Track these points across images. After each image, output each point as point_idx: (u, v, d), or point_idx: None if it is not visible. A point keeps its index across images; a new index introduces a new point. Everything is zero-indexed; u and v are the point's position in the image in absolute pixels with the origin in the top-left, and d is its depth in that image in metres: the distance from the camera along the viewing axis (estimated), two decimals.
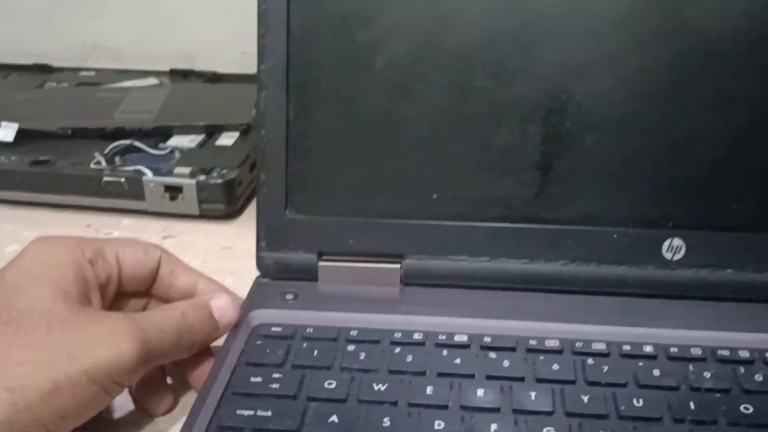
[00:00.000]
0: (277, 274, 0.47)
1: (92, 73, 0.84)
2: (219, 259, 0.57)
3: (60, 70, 0.86)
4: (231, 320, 0.42)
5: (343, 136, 0.46)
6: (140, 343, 0.36)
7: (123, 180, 0.60)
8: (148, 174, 0.60)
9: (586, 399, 0.37)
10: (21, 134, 0.66)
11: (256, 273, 0.48)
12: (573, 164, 0.45)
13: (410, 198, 0.46)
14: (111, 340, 0.35)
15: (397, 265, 0.46)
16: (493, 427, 0.36)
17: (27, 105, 0.71)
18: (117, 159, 0.63)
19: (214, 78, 0.81)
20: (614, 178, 0.45)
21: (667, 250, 0.45)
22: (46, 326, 0.35)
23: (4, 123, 0.65)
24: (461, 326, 0.42)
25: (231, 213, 0.62)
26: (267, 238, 0.47)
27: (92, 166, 0.62)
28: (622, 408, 0.37)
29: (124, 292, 0.43)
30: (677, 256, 0.45)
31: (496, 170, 0.45)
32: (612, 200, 0.45)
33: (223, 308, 0.42)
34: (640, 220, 0.45)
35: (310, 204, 0.47)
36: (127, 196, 0.61)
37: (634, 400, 0.37)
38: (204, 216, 0.61)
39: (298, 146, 0.46)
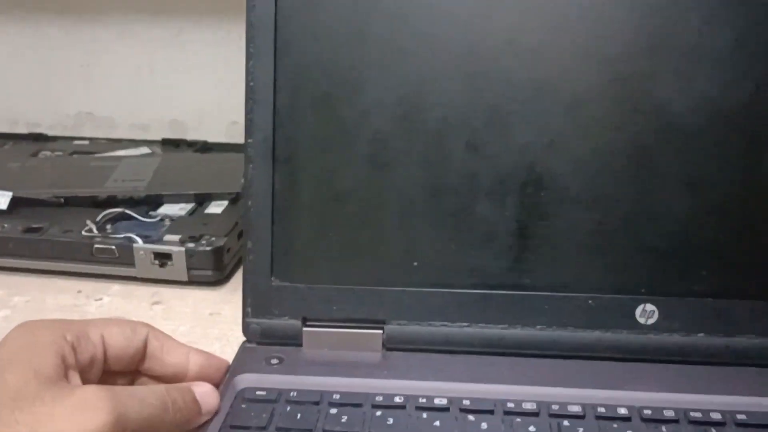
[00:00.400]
0: (263, 339, 0.49)
1: (86, 142, 0.86)
2: (207, 324, 0.58)
3: (54, 138, 0.88)
4: (213, 407, 0.42)
5: (326, 207, 0.48)
6: (115, 414, 0.35)
7: (114, 247, 0.62)
8: (139, 242, 0.62)
9: None
10: (15, 202, 0.67)
11: (242, 338, 0.50)
12: (548, 233, 0.47)
13: (391, 266, 0.48)
14: (82, 411, 0.35)
15: (379, 331, 0.48)
16: None
17: (21, 173, 0.73)
18: (108, 227, 0.65)
19: (205, 147, 0.83)
20: (588, 246, 0.47)
21: (640, 316, 0.46)
22: (11, 406, 0.35)
23: None
24: (441, 390, 0.44)
25: (219, 279, 0.63)
26: (253, 304, 0.49)
27: (84, 233, 0.64)
28: None
29: (112, 371, 0.43)
30: (650, 321, 0.46)
31: (474, 239, 0.47)
32: (587, 268, 0.47)
33: (206, 393, 0.42)
34: (614, 287, 0.47)
35: (295, 271, 0.48)
36: (117, 263, 0.62)
37: None
38: (193, 282, 0.63)
39: (284, 216, 0.48)
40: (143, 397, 0.38)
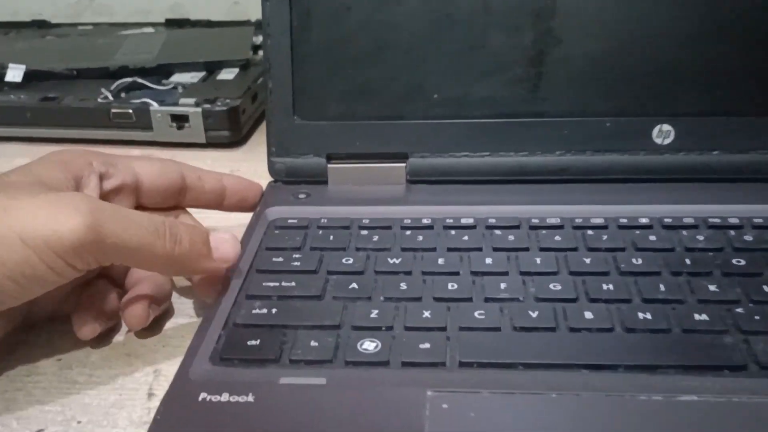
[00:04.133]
0: (288, 177, 0.50)
1: (89, 27, 0.86)
2: None
3: (57, 25, 0.87)
4: (229, 255, 0.39)
5: (345, 42, 0.48)
6: (91, 219, 0.33)
7: (131, 111, 0.62)
8: (155, 105, 0.63)
9: (588, 261, 0.40)
10: (28, 76, 0.68)
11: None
12: (563, 59, 0.47)
13: (412, 99, 0.48)
14: (56, 209, 0.33)
15: (403, 164, 0.49)
16: (503, 285, 0.38)
17: (32, 51, 0.73)
18: (123, 95, 0.65)
19: (209, 24, 0.83)
20: (604, 69, 0.47)
21: (657, 136, 0.47)
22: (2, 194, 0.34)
23: (12, 65, 0.67)
24: (466, 212, 0.45)
25: (236, 141, 0.64)
26: (277, 144, 0.49)
27: (100, 100, 0.64)
28: (622, 266, 0.39)
29: (148, 207, 0.44)
30: (667, 141, 0.47)
31: (492, 69, 0.48)
32: (603, 91, 0.47)
33: (222, 239, 0.39)
34: (630, 109, 0.47)
35: (316, 109, 0.49)
36: (134, 127, 0.63)
37: (633, 260, 0.40)
38: (210, 144, 0.64)
39: (303, 53, 0.48)
40: (132, 216, 0.36)
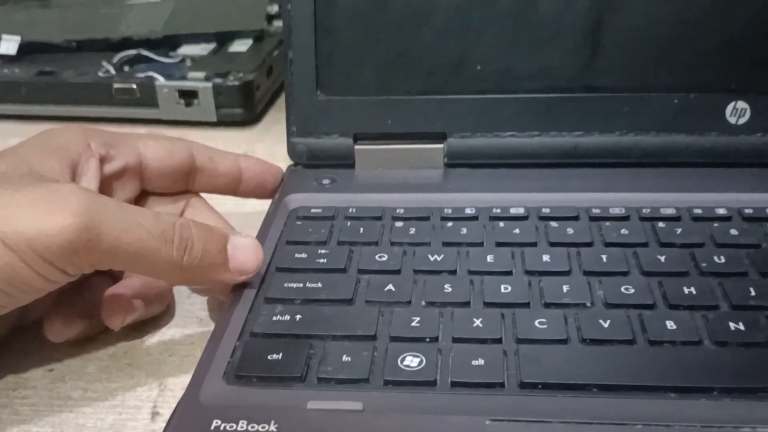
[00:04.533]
0: (311, 161, 0.44)
1: None
2: None
3: None
4: (249, 266, 0.33)
5: (376, 7, 0.42)
6: (85, 219, 0.29)
7: (134, 86, 0.57)
8: (161, 79, 0.57)
9: (662, 259, 0.34)
10: (24, 48, 0.62)
11: None
12: (627, 25, 0.41)
13: (452, 71, 0.43)
14: (47, 205, 0.29)
15: (440, 145, 0.43)
16: (565, 287, 0.33)
17: (28, 21, 0.67)
18: (126, 68, 0.60)
19: None
20: (672, 39, 0.41)
21: (731, 115, 0.42)
22: None
23: (5, 36, 0.61)
24: (515, 200, 0.39)
25: (250, 119, 0.58)
26: (298, 122, 0.44)
27: (101, 74, 0.58)
28: (703, 265, 0.34)
29: (154, 192, 0.39)
30: (742, 120, 0.42)
31: (543, 36, 0.42)
32: (670, 64, 0.41)
33: (243, 246, 0.33)
34: (702, 84, 0.42)
35: (343, 83, 0.43)
36: (139, 104, 0.57)
37: (715, 257, 0.34)
38: (221, 123, 0.58)
39: (328, 19, 0.43)
40: (135, 216, 0.31)
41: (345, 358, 0.29)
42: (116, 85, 0.57)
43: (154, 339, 0.36)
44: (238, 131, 0.58)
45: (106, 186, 0.36)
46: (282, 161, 0.45)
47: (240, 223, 0.40)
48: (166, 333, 0.37)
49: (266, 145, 0.56)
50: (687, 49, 0.41)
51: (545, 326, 0.30)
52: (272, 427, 0.26)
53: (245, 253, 0.33)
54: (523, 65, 0.42)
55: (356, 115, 0.43)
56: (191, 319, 0.38)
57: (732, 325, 0.30)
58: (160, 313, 0.38)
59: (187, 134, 0.57)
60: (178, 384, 0.33)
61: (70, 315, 0.34)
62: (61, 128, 0.36)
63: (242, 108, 0.57)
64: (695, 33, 0.41)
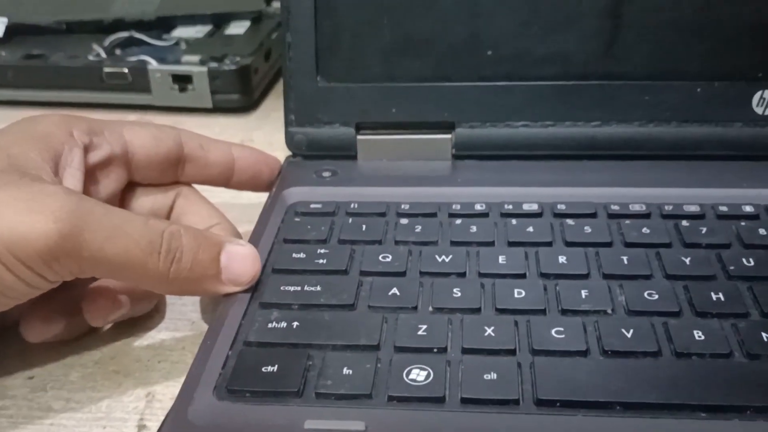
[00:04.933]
0: (310, 151, 0.41)
1: None
2: None
3: None
4: (244, 277, 0.31)
5: None
6: (68, 226, 0.27)
7: (126, 71, 0.54)
8: (154, 63, 0.54)
9: (687, 261, 0.32)
10: (11, 29, 0.60)
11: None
12: (649, 7, 0.38)
13: (460, 57, 0.40)
14: (27, 208, 0.27)
15: (448, 135, 0.41)
16: (584, 293, 0.30)
17: (17, 1, 0.65)
18: (118, 51, 0.57)
19: None
20: (696, 23, 0.38)
21: (758, 104, 0.39)
22: None
23: None
24: (528, 195, 0.37)
25: (247, 105, 0.56)
26: (296, 110, 0.41)
27: (91, 58, 0.56)
28: (731, 268, 0.31)
29: (142, 182, 0.37)
30: None
31: (558, 19, 0.39)
32: (694, 50, 0.39)
33: (239, 255, 0.31)
34: (727, 72, 0.39)
35: (344, 69, 0.41)
36: (131, 90, 0.55)
37: (743, 260, 0.32)
38: (218, 109, 0.56)
39: (329, 0, 0.40)
40: (122, 223, 0.29)
41: (346, 370, 0.27)
42: (107, 69, 0.54)
43: (143, 343, 0.34)
44: (235, 118, 0.56)
45: (90, 177, 0.34)
46: (281, 150, 0.42)
47: (236, 216, 0.38)
48: (156, 336, 0.34)
49: (264, 132, 0.53)
50: (712, 34, 0.39)
51: (563, 336, 0.28)
52: None
53: (241, 263, 0.31)
54: (536, 50, 0.39)
55: (358, 103, 0.41)
56: (183, 322, 0.35)
57: (764, 335, 0.28)
58: (149, 315, 0.35)
59: (182, 121, 0.55)
60: (168, 393, 0.31)
61: (49, 313, 0.32)
62: (42, 116, 0.34)
63: (239, 94, 0.54)
64: (721, 17, 0.38)
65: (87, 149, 0.34)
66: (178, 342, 0.34)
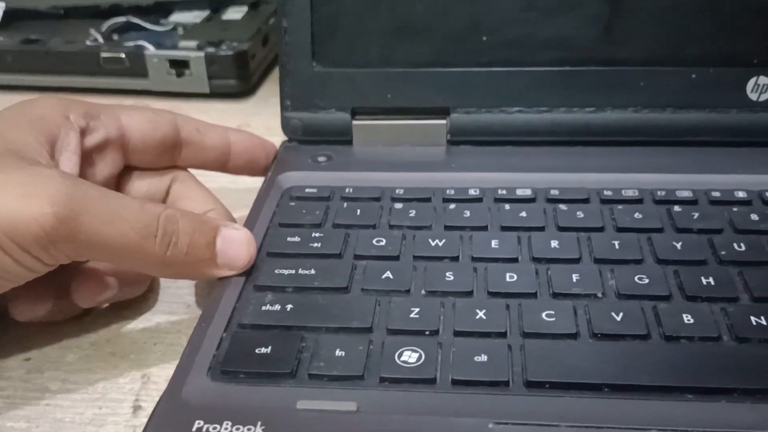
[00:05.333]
0: (306, 136, 0.42)
1: None
2: None
3: None
4: (239, 261, 0.31)
5: None
6: (63, 210, 0.27)
7: (123, 56, 0.54)
8: (151, 48, 0.54)
9: (678, 246, 0.32)
10: (9, 15, 0.60)
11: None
12: None
13: (456, 42, 0.40)
14: (22, 192, 0.27)
15: (443, 121, 0.41)
16: (575, 276, 0.31)
17: None
18: (115, 37, 0.57)
19: None
20: (692, 9, 0.39)
21: (752, 91, 0.39)
22: None
23: None
24: (522, 181, 0.37)
25: (245, 90, 0.56)
26: (292, 96, 0.41)
27: (88, 43, 0.56)
28: (722, 253, 0.31)
29: (138, 167, 0.37)
30: (764, 97, 0.39)
31: (555, 5, 0.39)
32: (689, 36, 0.39)
33: (235, 240, 0.31)
34: (722, 58, 0.39)
35: (340, 54, 0.41)
36: (128, 75, 0.55)
37: (734, 245, 0.32)
38: (215, 94, 0.56)
39: None
40: (118, 207, 0.29)
41: (339, 352, 0.27)
42: (104, 54, 0.54)
43: (138, 326, 0.34)
44: (233, 103, 0.56)
45: (86, 160, 0.34)
46: (279, 136, 0.42)
47: (232, 201, 0.38)
48: (152, 319, 0.35)
49: (262, 118, 0.54)
50: (708, 20, 0.39)
51: (553, 319, 0.28)
52: (258, 429, 0.25)
53: (236, 247, 0.31)
54: (532, 36, 0.39)
55: (354, 89, 0.41)
56: (178, 305, 0.36)
57: (753, 319, 0.28)
58: (145, 298, 0.36)
59: (179, 106, 0.55)
60: (163, 375, 0.31)
61: (37, 293, 0.32)
62: (38, 99, 0.34)
63: (236, 79, 0.54)
64: (717, 3, 0.38)
65: (83, 133, 0.34)
66: (173, 325, 0.34)
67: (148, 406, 0.30)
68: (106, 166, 0.35)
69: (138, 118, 0.36)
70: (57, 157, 0.32)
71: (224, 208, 0.37)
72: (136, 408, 0.30)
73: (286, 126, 0.42)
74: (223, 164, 0.39)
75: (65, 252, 0.28)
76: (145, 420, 0.26)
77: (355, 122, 0.41)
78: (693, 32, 0.39)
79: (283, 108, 0.42)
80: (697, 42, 0.39)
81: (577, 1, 0.39)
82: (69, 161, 0.32)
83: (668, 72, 0.39)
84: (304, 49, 0.41)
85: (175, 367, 0.28)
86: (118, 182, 0.37)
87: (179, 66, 0.54)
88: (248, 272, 0.32)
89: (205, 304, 0.33)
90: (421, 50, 0.40)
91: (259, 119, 0.53)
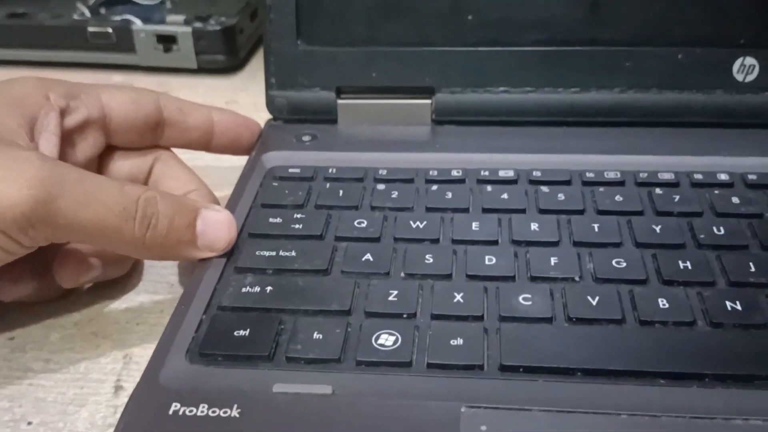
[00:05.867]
0: (291, 115, 0.42)
1: None
2: None
3: None
4: (220, 242, 0.31)
5: None
6: (42, 193, 0.27)
7: (110, 30, 0.54)
8: (138, 23, 0.54)
9: (658, 229, 0.32)
10: None
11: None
12: None
13: (441, 21, 0.40)
14: (0, 176, 0.27)
15: (428, 101, 0.41)
16: (553, 260, 0.31)
17: None
18: (103, 10, 0.57)
19: None
20: None
21: (738, 71, 0.39)
22: None
23: None
24: (505, 162, 0.37)
25: (233, 66, 0.56)
26: (277, 74, 0.41)
27: (75, 17, 0.56)
28: (701, 237, 0.32)
29: (120, 146, 0.37)
30: (749, 78, 0.39)
31: None
32: (675, 16, 0.39)
33: (215, 221, 0.31)
34: (708, 38, 0.39)
35: (325, 32, 0.41)
36: (116, 50, 0.55)
37: (714, 228, 0.32)
38: (203, 69, 0.55)
39: None
40: (96, 189, 0.29)
41: (316, 335, 0.28)
42: (91, 29, 0.54)
43: (121, 305, 0.35)
44: (221, 79, 0.56)
45: (67, 141, 0.34)
46: (265, 113, 0.43)
47: (216, 181, 0.38)
48: (134, 299, 0.35)
49: (249, 94, 0.53)
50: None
51: (530, 303, 0.29)
52: (234, 412, 0.25)
53: (216, 229, 0.31)
54: (517, 16, 0.39)
55: (339, 67, 0.41)
56: (161, 285, 0.36)
57: (729, 304, 0.28)
58: (128, 277, 0.36)
59: (167, 82, 0.55)
60: (144, 356, 0.32)
61: (19, 273, 0.32)
62: (17, 79, 0.34)
63: (224, 54, 0.54)
64: None
65: (63, 113, 0.34)
66: (156, 305, 0.35)
67: (129, 387, 0.30)
68: (87, 146, 0.35)
69: (120, 97, 0.36)
70: (36, 138, 0.32)
71: (207, 188, 0.37)
72: (118, 388, 0.30)
73: (270, 104, 0.42)
74: (207, 144, 0.39)
75: (44, 234, 0.28)
76: (125, 400, 0.26)
77: (339, 101, 0.41)
78: (679, 12, 0.39)
79: (268, 86, 0.41)
80: (683, 22, 0.39)
81: None
82: (49, 142, 0.32)
83: (654, 52, 0.39)
84: (289, 27, 0.40)
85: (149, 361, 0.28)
86: (100, 162, 0.37)
87: (167, 41, 0.54)
88: (229, 253, 0.32)
89: (186, 284, 0.33)
90: (407, 29, 0.40)
91: (246, 95, 0.53)
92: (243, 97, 0.53)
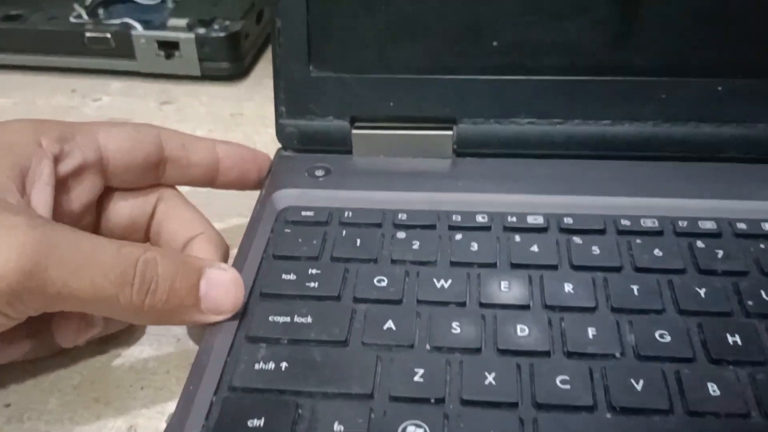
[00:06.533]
0: (302, 145, 0.39)
1: None
2: (227, 126, 0.49)
3: None
4: (226, 305, 0.29)
5: None
6: (28, 265, 0.25)
7: (109, 35, 0.51)
8: (138, 28, 0.51)
9: (702, 293, 0.30)
10: None
11: (271, 143, 0.40)
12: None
13: (464, 47, 0.37)
14: None
15: (449, 132, 0.38)
16: (591, 331, 0.28)
17: None
18: (101, 11, 0.54)
19: None
20: (717, 13, 0.35)
21: None
22: None
23: None
24: (533, 204, 0.35)
25: (237, 73, 0.53)
26: (288, 102, 0.38)
27: (72, 20, 0.52)
28: (749, 303, 0.29)
29: (120, 187, 0.35)
30: None
31: (569, 8, 0.36)
32: (714, 43, 0.36)
33: (220, 282, 0.29)
34: (751, 68, 0.36)
35: (339, 58, 0.38)
36: (115, 55, 0.52)
37: (762, 293, 0.30)
38: (206, 77, 0.52)
39: None
40: (90, 256, 0.26)
41: (337, 426, 0.25)
42: (88, 34, 0.51)
43: (124, 364, 0.33)
44: (225, 86, 0.53)
45: (62, 188, 0.32)
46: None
47: (224, 207, 0.38)
48: (138, 356, 0.33)
49: (256, 104, 0.51)
50: (734, 26, 0.35)
51: (568, 387, 0.26)
52: None
53: (222, 291, 0.29)
54: (545, 42, 0.36)
55: (354, 95, 0.38)
56: (167, 338, 0.34)
57: None
58: (130, 330, 0.34)
59: (169, 89, 0.52)
60: (150, 427, 0.30)
61: (13, 335, 0.30)
62: (7, 123, 0.31)
63: (229, 61, 0.51)
64: (744, 7, 0.35)
65: (57, 159, 0.31)
66: (162, 363, 0.32)
67: None
68: (84, 191, 0.33)
69: (117, 136, 0.33)
70: (29, 190, 0.30)
71: (214, 229, 0.35)
72: None
73: (281, 134, 0.39)
74: (211, 181, 0.36)
75: (33, 306, 0.26)
76: None
77: (354, 131, 0.38)
78: (718, 39, 0.36)
79: (278, 115, 0.39)
80: (723, 49, 0.36)
81: (592, 4, 0.36)
82: (42, 194, 0.30)
83: (691, 83, 0.36)
84: (301, 52, 0.38)
85: (163, 416, 0.27)
86: (98, 205, 0.34)
87: (168, 47, 0.51)
88: (241, 317, 0.30)
89: (197, 338, 0.31)
90: (426, 55, 0.37)
91: (252, 105, 0.51)
92: (249, 107, 0.50)
